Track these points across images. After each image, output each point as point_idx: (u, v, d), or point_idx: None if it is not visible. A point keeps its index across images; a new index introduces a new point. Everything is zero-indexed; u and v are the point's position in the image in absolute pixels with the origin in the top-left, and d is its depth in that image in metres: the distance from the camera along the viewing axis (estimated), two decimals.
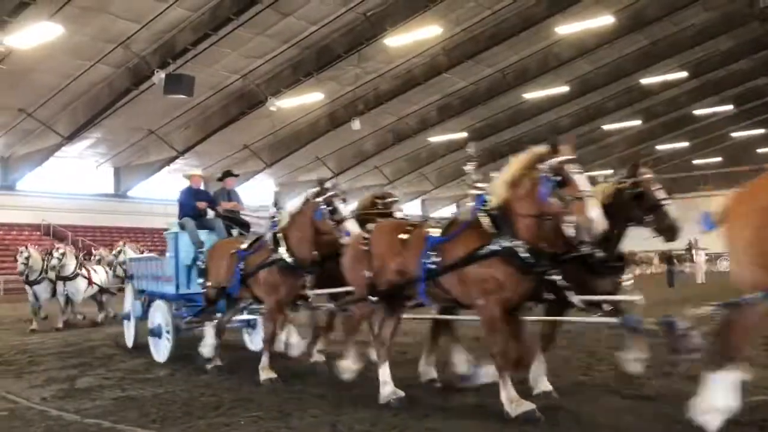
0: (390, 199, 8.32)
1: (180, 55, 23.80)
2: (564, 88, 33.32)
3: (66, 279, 14.21)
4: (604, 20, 25.46)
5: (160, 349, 9.02)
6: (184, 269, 8.96)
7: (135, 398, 6.72)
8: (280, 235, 7.44)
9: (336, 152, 37.69)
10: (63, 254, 14.25)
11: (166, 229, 9.64)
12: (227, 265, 8.06)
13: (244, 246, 8.00)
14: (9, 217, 28.38)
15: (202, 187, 10.16)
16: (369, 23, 24.83)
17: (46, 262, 14.17)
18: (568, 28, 26.18)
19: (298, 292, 7.67)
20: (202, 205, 9.63)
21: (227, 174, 10.15)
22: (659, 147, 46.57)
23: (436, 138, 37.76)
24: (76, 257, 15.04)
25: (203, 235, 9.10)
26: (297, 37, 25.44)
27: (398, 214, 8.26)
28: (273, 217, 8.04)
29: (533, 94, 33.78)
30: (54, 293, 14.32)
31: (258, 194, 39.63)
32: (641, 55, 32.08)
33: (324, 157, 37.71)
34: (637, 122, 41.69)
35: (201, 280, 8.58)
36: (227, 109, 29.24)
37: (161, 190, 34.41)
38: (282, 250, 7.33)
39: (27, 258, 14.15)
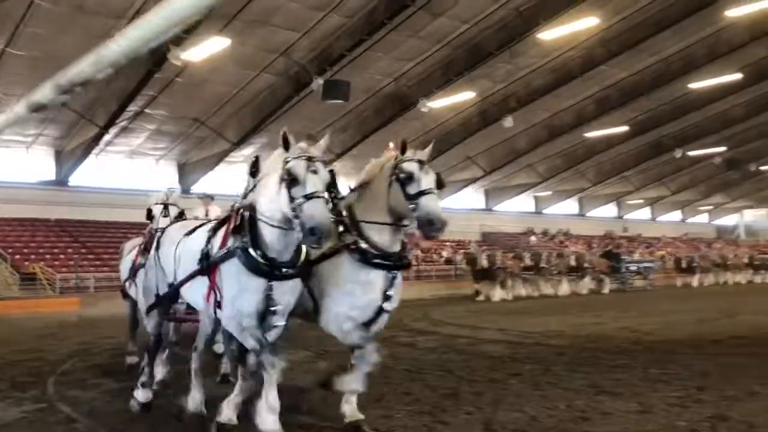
0: None
1: (337, 62, 24.69)
2: (736, 76, 30.71)
3: None
4: None
5: None
6: None
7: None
8: None
9: (487, 151, 37.33)
10: None
11: None
12: None
13: None
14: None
15: None
16: (522, 18, 24.36)
17: None
18: (740, 11, 24.15)
19: None
20: None
21: None
22: None
23: (594, 133, 36.28)
24: None
25: None
26: (448, 37, 25.50)
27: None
28: None
29: (701, 84, 31.45)
30: None
31: None
32: None
33: (475, 156, 37.49)
34: None
35: None
36: (381, 112, 29.92)
37: None
38: None
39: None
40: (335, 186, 4.88)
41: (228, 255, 4.80)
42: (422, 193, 4.85)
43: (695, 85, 31.66)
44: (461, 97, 28.90)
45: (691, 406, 5.89)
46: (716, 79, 30.58)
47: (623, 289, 27.30)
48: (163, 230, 6.34)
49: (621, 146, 39.23)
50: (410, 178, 4.93)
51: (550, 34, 24.28)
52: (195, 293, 5.37)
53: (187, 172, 32.23)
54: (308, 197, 4.32)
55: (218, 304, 4.97)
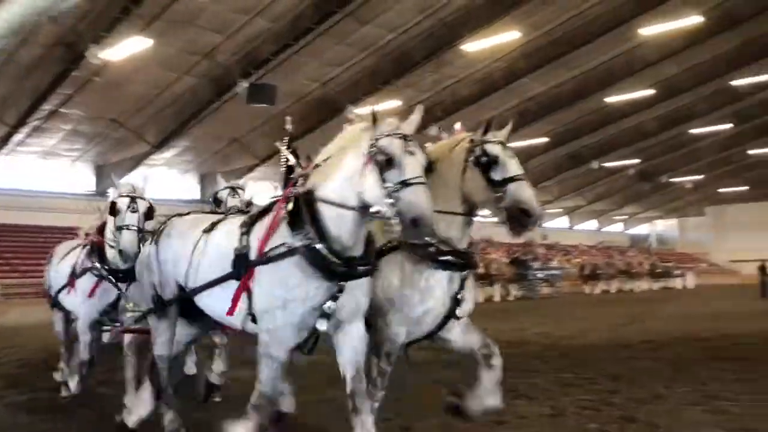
0: None
1: (262, 65, 24.46)
2: (649, 91, 32.20)
3: None
4: (693, 20, 24.52)
5: None
6: None
7: None
8: None
9: None
10: None
11: None
12: None
13: None
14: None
15: None
16: (447, 29, 24.81)
17: None
18: (653, 29, 25.36)
19: None
20: None
21: None
22: (751, 152, 44.46)
23: (516, 143, 36.95)
24: None
25: None
26: (375, 45, 25.69)
27: None
28: None
29: (616, 98, 32.82)
30: None
31: None
32: (733, 56, 30.63)
33: None
34: (728, 126, 39.80)
35: None
36: (308, 117, 29.72)
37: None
38: None
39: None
40: (430, 172, 3.85)
41: (287, 254, 3.84)
42: (511, 179, 4.13)
43: (611, 100, 33.02)
44: (388, 105, 29.05)
45: (602, 409, 6.09)
46: (631, 94, 32.03)
47: (530, 297, 27.76)
48: (163, 225, 5.14)
49: (541, 157, 40.31)
50: (495, 161, 4.20)
51: (475, 45, 24.84)
52: (217, 300, 4.30)
53: (104, 174, 31.13)
54: (407, 183, 3.54)
55: (252, 317, 4.03)
